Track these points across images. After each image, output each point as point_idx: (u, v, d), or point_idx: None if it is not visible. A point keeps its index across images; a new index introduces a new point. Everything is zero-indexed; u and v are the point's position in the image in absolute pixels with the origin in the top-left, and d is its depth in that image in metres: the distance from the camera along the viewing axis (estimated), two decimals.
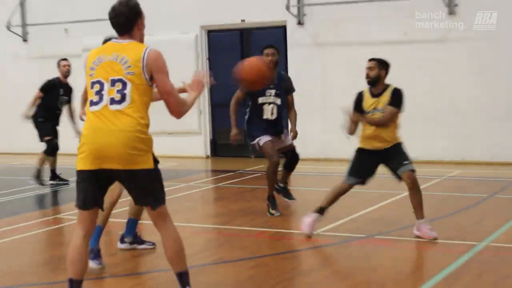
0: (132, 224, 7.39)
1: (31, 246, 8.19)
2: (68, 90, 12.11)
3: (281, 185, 9.58)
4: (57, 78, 12.03)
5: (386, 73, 7.76)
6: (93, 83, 5.08)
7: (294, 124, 9.35)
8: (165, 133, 14.62)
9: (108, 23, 5.22)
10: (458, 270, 6.41)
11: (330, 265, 7.11)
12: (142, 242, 7.47)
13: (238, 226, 8.71)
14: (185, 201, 10.54)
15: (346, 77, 14.01)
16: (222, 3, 15.17)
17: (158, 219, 5.26)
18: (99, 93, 5.04)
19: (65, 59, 12.13)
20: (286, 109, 9.34)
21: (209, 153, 15.87)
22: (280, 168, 9.16)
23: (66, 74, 11.99)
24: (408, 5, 13.73)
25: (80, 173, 5.12)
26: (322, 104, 14.62)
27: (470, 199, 9.96)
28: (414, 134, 12.20)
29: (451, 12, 13.58)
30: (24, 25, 17.19)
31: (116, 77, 5.03)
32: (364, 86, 7.79)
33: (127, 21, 5.19)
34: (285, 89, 9.17)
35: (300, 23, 14.57)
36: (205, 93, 15.66)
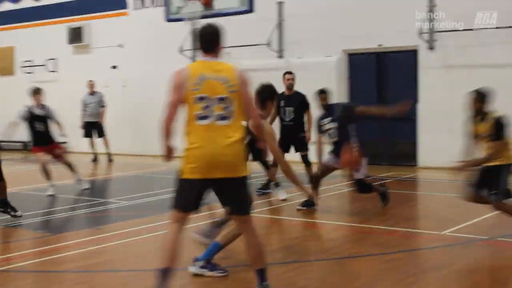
0: (215, 249, 6.09)
1: None
2: (292, 101, 10.83)
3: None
4: (282, 92, 10.71)
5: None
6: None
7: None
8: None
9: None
10: None
11: (456, 263, 6.55)
12: (214, 268, 5.99)
13: (373, 225, 8.44)
14: (326, 201, 10.18)
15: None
16: (361, 30, 14.74)
17: (245, 224, 5.11)
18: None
19: (289, 73, 10.94)
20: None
21: None
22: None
23: (289, 86, 10.79)
24: None
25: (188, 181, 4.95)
26: (448, 122, 13.59)
27: None
28: None
29: None
30: (194, 49, 17.28)
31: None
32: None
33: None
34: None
35: (431, 48, 13.91)
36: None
